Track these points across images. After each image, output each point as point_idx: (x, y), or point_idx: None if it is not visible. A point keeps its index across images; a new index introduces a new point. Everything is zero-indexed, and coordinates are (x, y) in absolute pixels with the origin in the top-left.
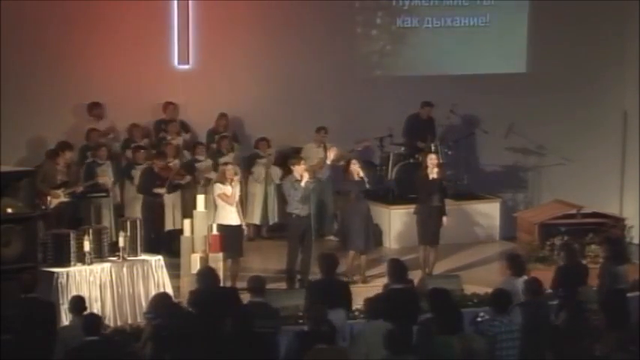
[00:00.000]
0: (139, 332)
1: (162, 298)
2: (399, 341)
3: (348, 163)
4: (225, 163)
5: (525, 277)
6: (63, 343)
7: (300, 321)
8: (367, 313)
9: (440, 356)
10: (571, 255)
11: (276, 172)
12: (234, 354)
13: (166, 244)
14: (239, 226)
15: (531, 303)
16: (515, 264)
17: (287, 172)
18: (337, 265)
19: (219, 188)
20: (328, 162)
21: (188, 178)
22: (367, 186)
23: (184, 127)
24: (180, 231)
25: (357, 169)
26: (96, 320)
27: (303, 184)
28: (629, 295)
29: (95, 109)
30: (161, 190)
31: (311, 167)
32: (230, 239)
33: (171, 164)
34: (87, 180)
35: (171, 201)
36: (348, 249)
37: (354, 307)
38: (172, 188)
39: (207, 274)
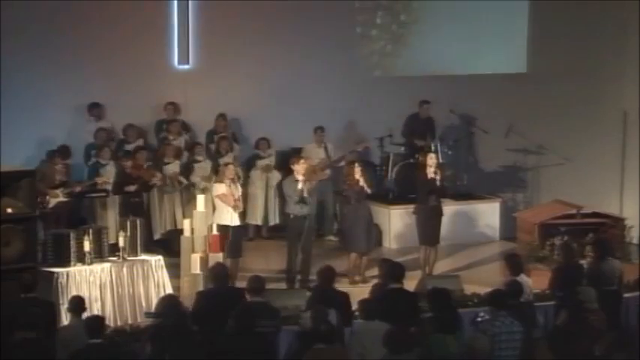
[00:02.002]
0: (139, 332)
1: (169, 300)
2: (399, 340)
3: (350, 165)
4: (226, 164)
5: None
6: (63, 343)
7: (300, 321)
8: (362, 314)
9: (435, 355)
10: (568, 255)
11: (276, 176)
12: (235, 354)
13: (162, 244)
14: (238, 227)
15: (514, 305)
16: (513, 263)
17: (288, 173)
18: (335, 276)
19: (218, 189)
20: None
21: (157, 177)
22: (368, 191)
23: (185, 127)
24: (180, 231)
25: (357, 174)
26: (99, 323)
27: (300, 184)
28: (629, 295)
29: (95, 109)
30: (130, 189)
31: (312, 167)
32: (230, 240)
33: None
34: (89, 180)
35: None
36: (348, 251)
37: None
38: (143, 188)
39: (221, 273)
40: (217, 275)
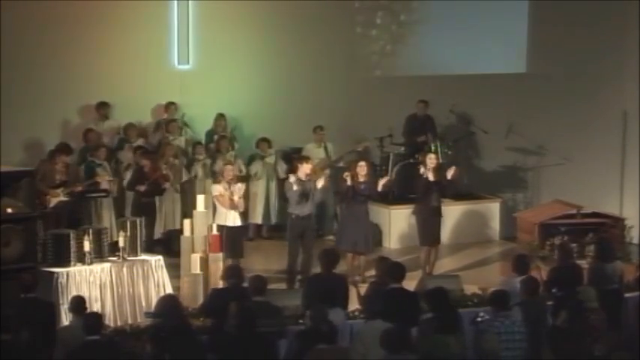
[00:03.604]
0: (139, 332)
1: (169, 300)
2: (396, 340)
3: (355, 165)
4: (225, 163)
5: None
6: (63, 343)
7: (301, 321)
8: (364, 313)
9: (436, 355)
10: (565, 255)
11: (282, 166)
12: (235, 354)
13: (162, 244)
14: (239, 227)
15: (528, 303)
16: (520, 264)
17: (294, 169)
18: (337, 261)
19: (215, 189)
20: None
21: (167, 184)
22: (370, 192)
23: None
24: (180, 231)
25: (361, 174)
26: (97, 319)
27: (298, 185)
28: (629, 295)
29: (103, 108)
30: (141, 188)
31: (312, 167)
32: (230, 240)
33: (171, 164)
34: (85, 180)
35: (171, 202)
36: (341, 249)
37: (353, 307)
38: (156, 190)
39: (235, 273)
40: (232, 275)
